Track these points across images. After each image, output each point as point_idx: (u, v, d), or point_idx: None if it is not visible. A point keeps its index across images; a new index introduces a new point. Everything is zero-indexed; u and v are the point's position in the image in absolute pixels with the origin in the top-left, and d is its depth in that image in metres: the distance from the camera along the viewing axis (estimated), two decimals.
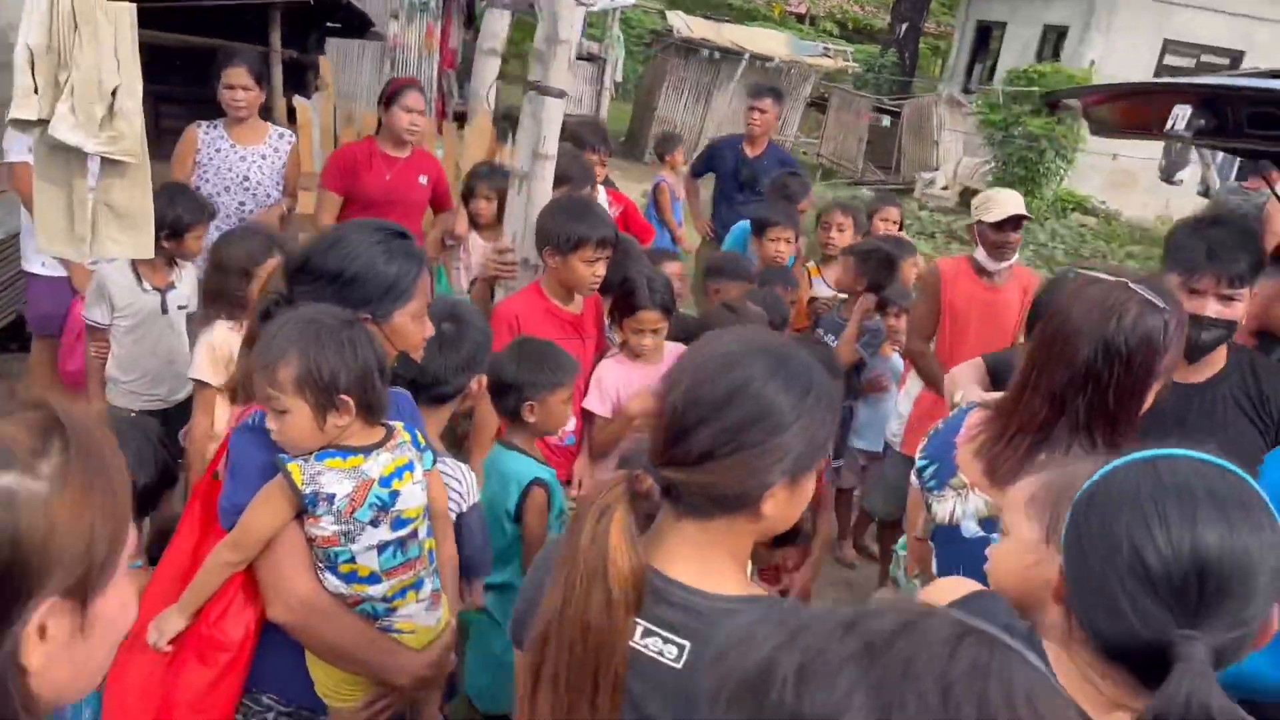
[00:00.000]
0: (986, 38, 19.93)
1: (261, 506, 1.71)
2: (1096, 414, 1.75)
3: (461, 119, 13.24)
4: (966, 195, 14.49)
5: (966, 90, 19.25)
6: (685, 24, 15.39)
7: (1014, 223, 3.78)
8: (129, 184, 3.09)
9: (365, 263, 1.83)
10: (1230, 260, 2.26)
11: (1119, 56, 15.40)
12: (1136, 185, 15.31)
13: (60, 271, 4.06)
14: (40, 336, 4.27)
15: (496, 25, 5.81)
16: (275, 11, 6.17)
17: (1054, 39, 17.43)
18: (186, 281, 3.64)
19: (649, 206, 7.01)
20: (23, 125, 2.95)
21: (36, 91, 2.89)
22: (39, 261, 4.09)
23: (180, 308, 3.62)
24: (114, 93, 2.92)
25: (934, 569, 2.02)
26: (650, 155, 15.99)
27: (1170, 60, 16.24)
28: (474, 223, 4.59)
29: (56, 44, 2.88)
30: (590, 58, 14.76)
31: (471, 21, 16.06)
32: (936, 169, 15.14)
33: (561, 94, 3.10)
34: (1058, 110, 6.10)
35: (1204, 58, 16.41)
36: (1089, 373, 1.73)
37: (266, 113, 4.50)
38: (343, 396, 1.69)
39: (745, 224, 5.12)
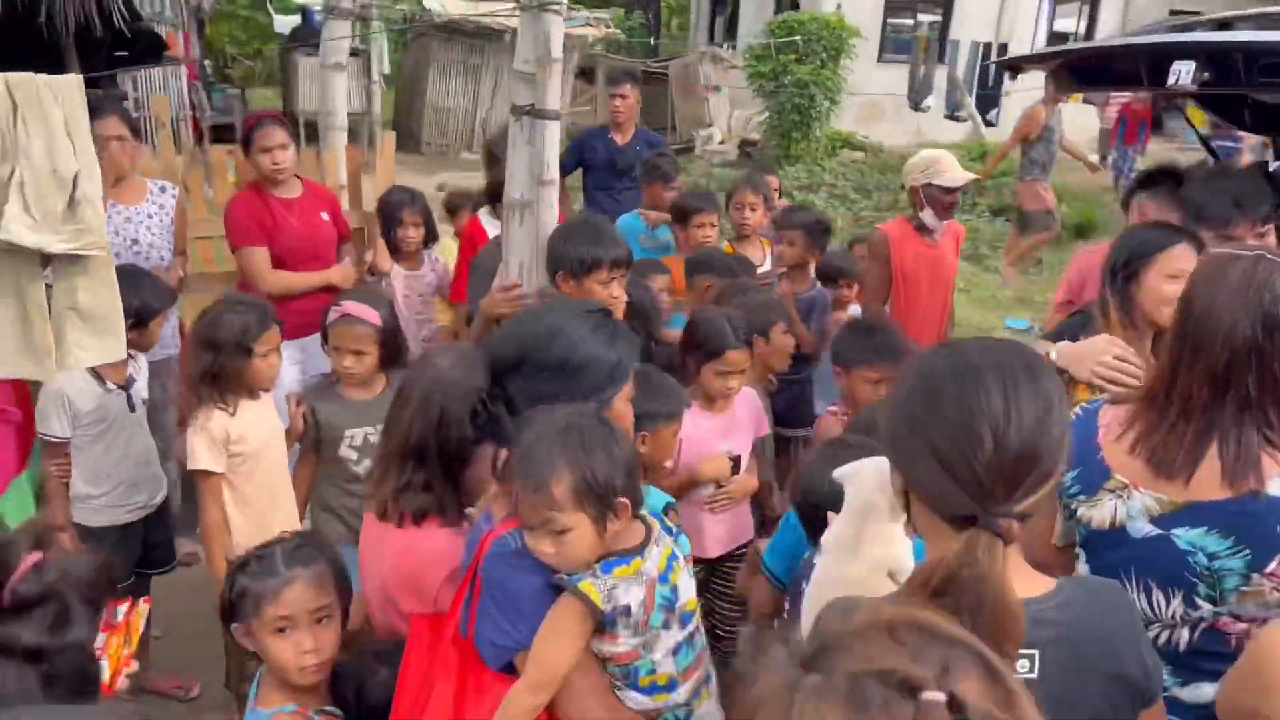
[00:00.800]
0: None
1: (557, 637, 1.58)
2: (1266, 389, 1.71)
3: (219, 134, 12.28)
4: (744, 147, 15.10)
5: (711, 43, 19.94)
6: (441, 5, 14.94)
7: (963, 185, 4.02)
8: (94, 281, 2.69)
9: (590, 350, 1.72)
10: (1256, 204, 2.52)
11: (850, 1, 16.45)
12: (884, 116, 16.53)
13: None
14: None
15: (338, 37, 5.45)
16: (68, 40, 5.45)
17: None
18: (143, 371, 3.24)
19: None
20: None
21: None
22: None
23: (143, 401, 3.22)
24: (74, 179, 2.52)
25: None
26: (426, 145, 15.60)
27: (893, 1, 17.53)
28: (396, 251, 4.34)
29: None
30: (354, 53, 14.05)
31: (202, 30, 14.89)
32: (710, 125, 15.62)
33: (558, 116, 2.97)
34: (1018, 74, 7.89)
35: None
36: (1253, 349, 1.70)
37: None
38: (621, 500, 1.59)
39: (633, 215, 5.11)
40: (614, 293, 2.89)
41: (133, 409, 3.19)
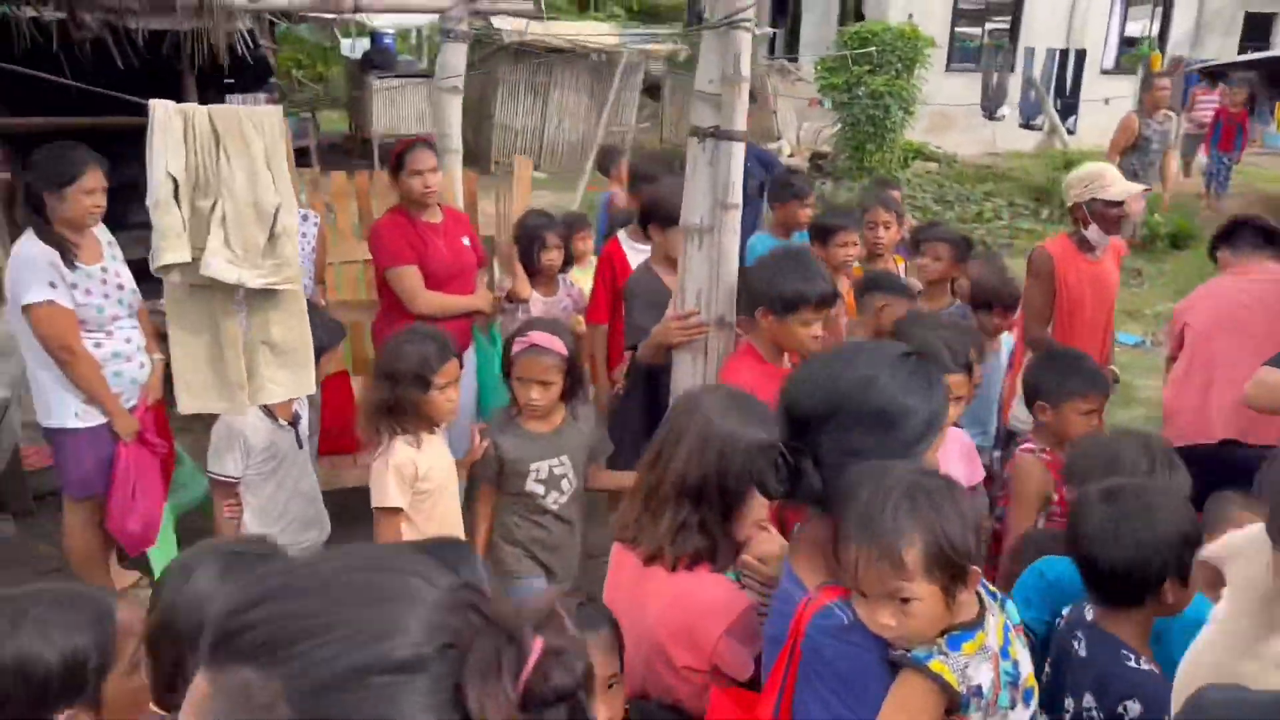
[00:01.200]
0: (784, 4, 20.53)
1: None
2: None
3: (298, 159, 12.39)
4: (815, 159, 14.95)
5: (773, 56, 19.82)
6: (509, 25, 14.98)
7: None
8: (287, 315, 2.63)
9: (909, 400, 1.55)
10: None
11: (916, 7, 16.24)
12: (954, 126, 16.27)
13: (97, 419, 3.45)
14: (78, 499, 3.60)
15: (455, 59, 5.41)
16: (186, 67, 5.49)
17: (854, 1, 18.16)
18: (305, 407, 3.18)
19: (600, 226, 6.75)
20: (166, 269, 2.44)
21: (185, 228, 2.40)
22: (70, 413, 3.44)
23: (309, 437, 3.16)
24: (275, 213, 2.46)
25: None
26: (495, 166, 15.65)
27: (965, 6, 17.30)
28: (533, 275, 4.26)
29: (196, 167, 2.39)
30: (426, 75, 14.15)
31: None
32: (779, 138, 15.49)
33: (744, 137, 2.87)
34: (1220, 81, 8.82)
35: (991, 3, 17.59)
36: None
37: None
38: (974, 568, 1.46)
39: (763, 235, 5.00)
40: (815, 332, 2.78)
41: (300, 445, 3.14)
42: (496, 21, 15.15)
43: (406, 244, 3.84)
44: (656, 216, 3.46)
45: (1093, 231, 3.91)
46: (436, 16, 11.36)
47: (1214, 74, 13.86)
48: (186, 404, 2.60)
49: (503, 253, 4.30)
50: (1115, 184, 3.81)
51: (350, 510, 3.35)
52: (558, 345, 2.94)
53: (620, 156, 7.32)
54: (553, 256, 4.22)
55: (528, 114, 15.29)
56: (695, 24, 20.97)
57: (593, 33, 14.70)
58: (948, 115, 16.11)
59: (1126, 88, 16.39)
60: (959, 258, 4.20)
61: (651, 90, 17.21)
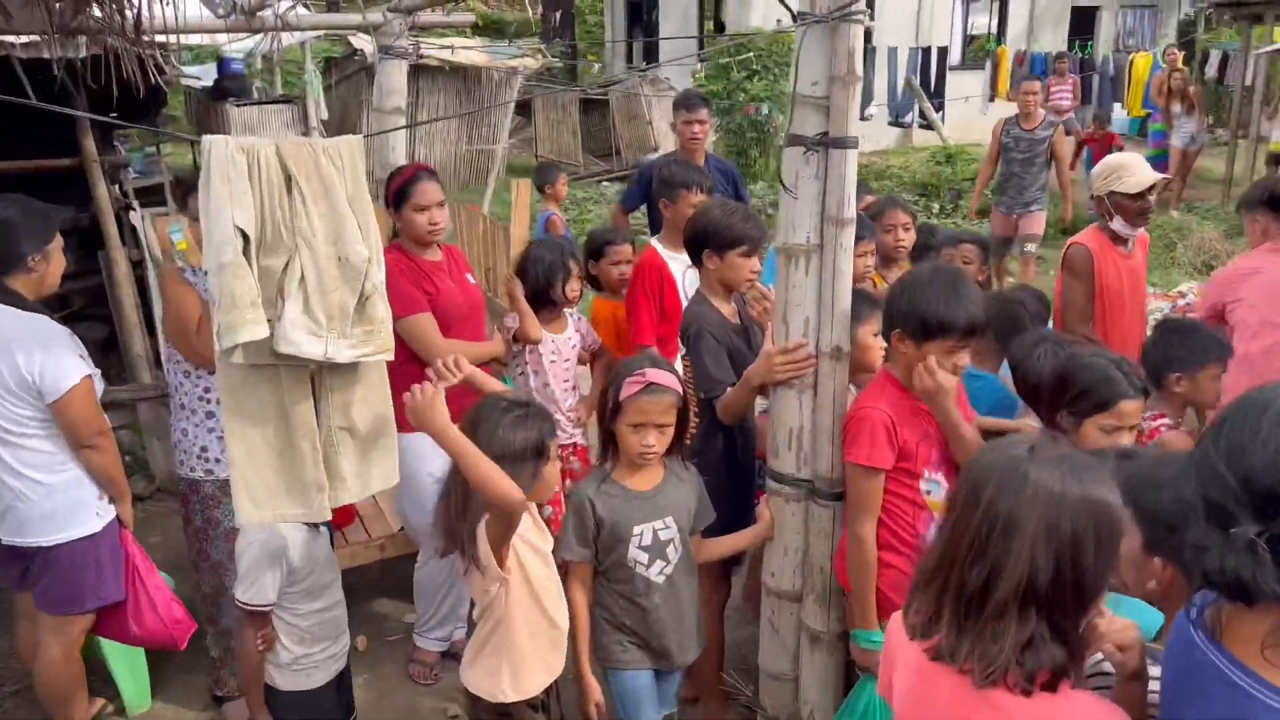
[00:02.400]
0: (639, 13, 20.46)
1: None
2: None
3: (147, 198, 11.43)
4: None
5: (631, 65, 19.71)
6: (368, 44, 14.23)
7: (1151, 187, 3.74)
8: (370, 391, 2.14)
9: None
10: None
11: (779, 11, 16.41)
12: None
13: (110, 512, 2.89)
14: (81, 614, 2.99)
15: (395, 80, 4.90)
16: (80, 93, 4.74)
17: (714, 5, 18.23)
18: None
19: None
20: (229, 352, 1.91)
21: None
22: (91, 513, 2.87)
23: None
24: (366, 268, 1.97)
25: None
26: (372, 188, 14.80)
27: None
28: (542, 311, 3.81)
29: (265, 218, 1.88)
30: (287, 100, 13.26)
31: None
32: (657, 149, 15.30)
33: (857, 143, 2.55)
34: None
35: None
36: None
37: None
38: None
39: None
40: (960, 361, 2.48)
41: (332, 545, 2.62)
42: (356, 41, 14.41)
43: (416, 288, 3.34)
44: (713, 241, 3.09)
45: (1118, 224, 3.78)
46: (294, 38, 10.60)
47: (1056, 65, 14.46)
48: (249, 513, 2.05)
49: (507, 289, 3.83)
50: (1132, 174, 3.70)
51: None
52: (674, 383, 2.57)
53: (558, 173, 6.91)
54: (576, 289, 3.79)
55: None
56: (551, 39, 20.65)
57: (460, 49, 14.11)
58: None
59: (976, 82, 17.05)
60: (986, 260, 4.03)
61: (522, 107, 16.75)
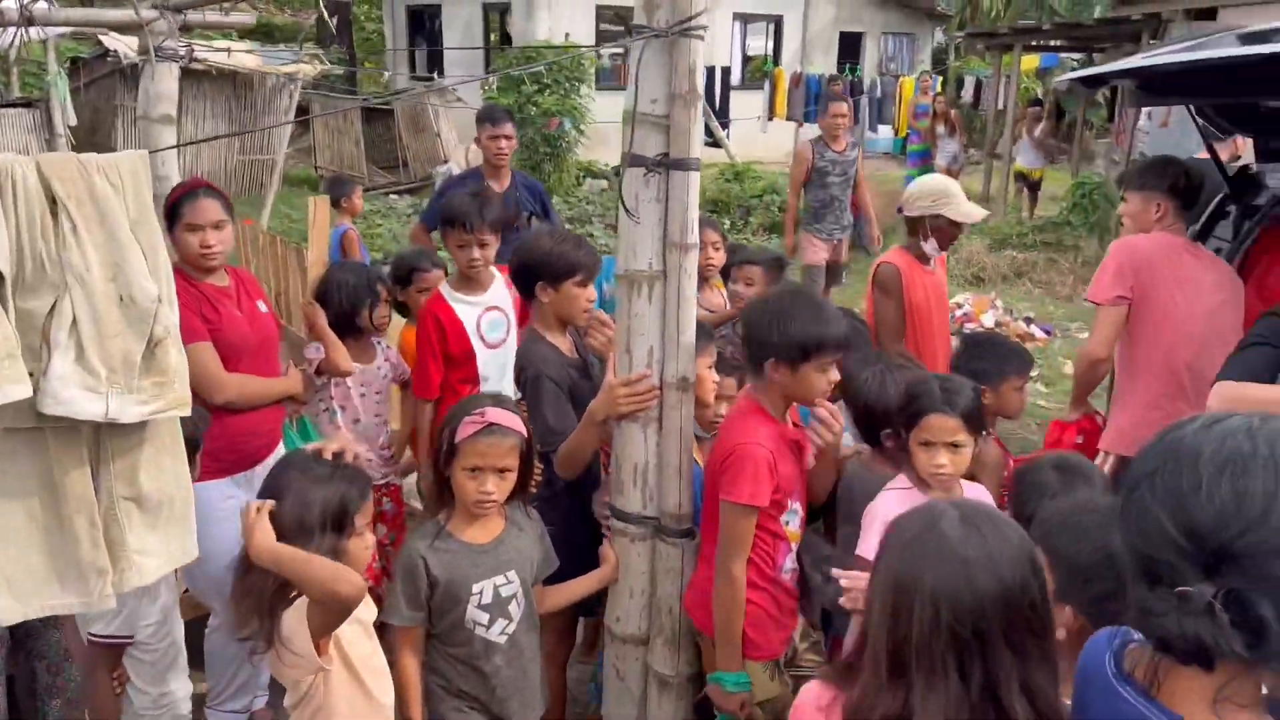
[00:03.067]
0: (420, 22, 19.91)
1: None
2: None
3: None
4: None
5: (415, 78, 19.15)
6: (126, 45, 13.02)
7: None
8: (160, 452, 1.79)
9: None
10: None
11: (564, 26, 16.41)
12: (608, 144, 16.62)
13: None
14: None
15: (165, 84, 4.39)
16: None
17: (498, 16, 17.99)
18: None
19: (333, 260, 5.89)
20: None
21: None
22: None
23: None
24: (155, 308, 1.65)
25: None
26: None
27: (604, 27, 17.72)
28: (348, 339, 3.48)
29: (24, 250, 1.53)
30: (27, 103, 11.89)
31: None
32: (446, 160, 14.89)
33: (699, 165, 2.43)
34: (1096, 88, 7.16)
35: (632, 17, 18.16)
36: None
37: None
38: None
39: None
40: (832, 378, 2.43)
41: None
42: (108, 40, 13.14)
43: (195, 314, 2.94)
44: (546, 273, 2.88)
45: (930, 245, 3.89)
46: (39, 34, 9.53)
47: (1091, 82, 15.15)
48: (9, 609, 1.67)
49: (306, 316, 3.46)
50: (962, 205, 3.82)
51: None
52: (517, 423, 2.35)
53: (354, 186, 6.48)
54: (385, 315, 3.47)
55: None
56: (328, 45, 19.69)
57: (228, 51, 13.14)
58: (603, 133, 16.41)
59: (756, 102, 17.70)
60: (776, 280, 4.05)
61: (298, 113, 15.85)
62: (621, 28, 18.40)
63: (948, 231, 3.86)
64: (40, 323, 1.57)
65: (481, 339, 3.45)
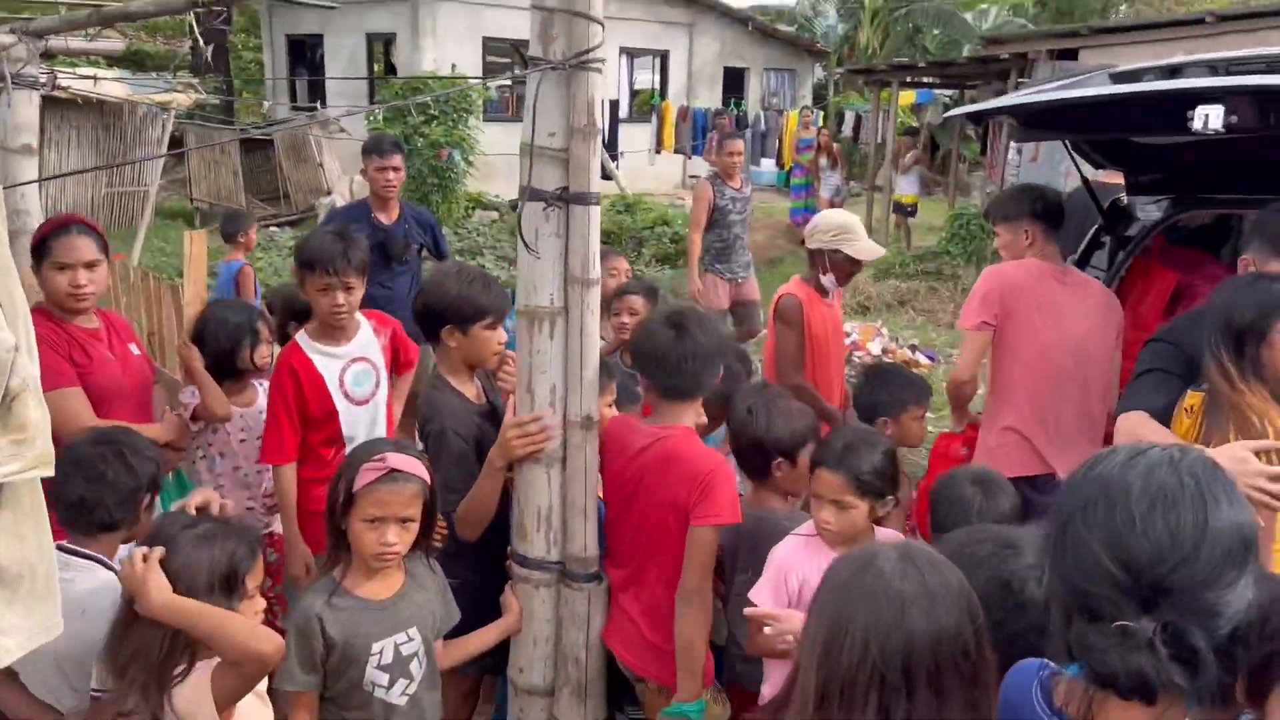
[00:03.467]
0: (301, 52, 19.45)
1: None
2: None
3: None
4: None
5: (296, 108, 18.70)
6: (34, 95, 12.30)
7: None
8: (18, 517, 1.62)
9: (1235, 518, 1.18)
10: None
11: (450, 57, 16.29)
12: (498, 175, 16.50)
13: None
14: None
15: (26, 114, 4.13)
16: None
17: (383, 46, 17.72)
18: None
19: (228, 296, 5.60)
20: None
21: None
22: None
23: None
24: (12, 358, 1.50)
25: None
26: None
27: (490, 59, 17.65)
28: (237, 375, 3.30)
29: None
30: None
31: None
32: (330, 192, 14.53)
33: (598, 200, 2.38)
34: (980, 123, 7.07)
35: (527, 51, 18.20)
36: None
37: None
38: None
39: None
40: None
41: None
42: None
43: (63, 358, 2.73)
44: (453, 315, 2.76)
45: (829, 279, 3.94)
46: None
47: (975, 118, 15.44)
48: None
49: (182, 358, 3.26)
50: (862, 242, 3.87)
51: None
52: (420, 469, 2.23)
53: (249, 222, 6.23)
54: (266, 355, 3.28)
55: (43, 168, 12.62)
56: (204, 74, 19.02)
57: (97, 78, 12.53)
58: (492, 164, 16.31)
59: (644, 134, 17.88)
60: (654, 307, 4.04)
61: (172, 145, 15.24)
62: (508, 60, 18.39)
63: (846, 267, 3.91)
64: None
65: (345, 395, 3.14)
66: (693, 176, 20.11)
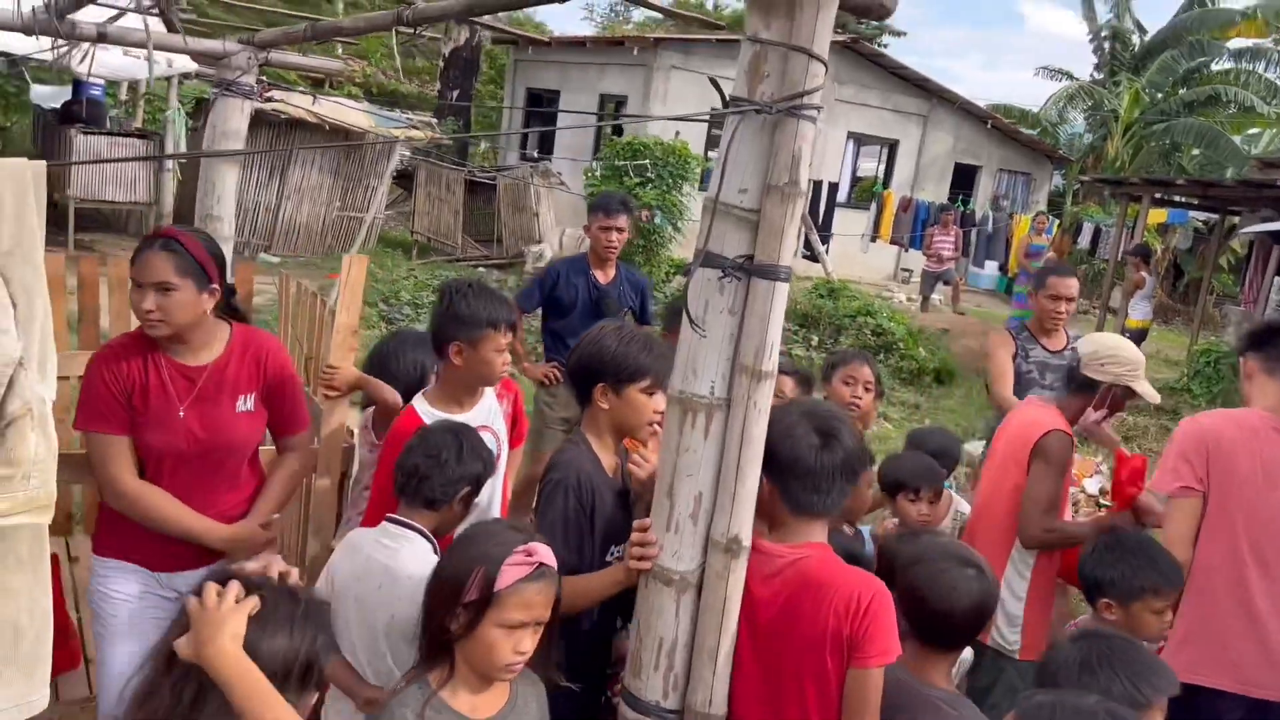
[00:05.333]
0: (539, 104, 20.18)
1: None
2: None
3: None
4: None
5: (524, 159, 19.33)
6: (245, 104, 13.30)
7: None
8: (7, 567, 1.32)
9: None
10: None
11: (676, 124, 16.35)
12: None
13: None
14: None
15: (234, 120, 4.13)
16: None
17: (614, 107, 18.09)
18: None
19: None
20: None
21: None
22: None
23: None
24: (13, 374, 1.20)
25: None
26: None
27: (715, 132, 17.66)
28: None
29: None
30: (141, 134, 12.15)
31: None
32: (540, 241, 14.77)
33: (789, 276, 1.93)
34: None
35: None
36: None
37: None
38: None
39: None
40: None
41: None
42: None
43: (118, 399, 2.43)
44: (612, 373, 2.41)
45: (1098, 414, 3.28)
46: (168, 66, 9.67)
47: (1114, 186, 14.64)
48: None
49: (325, 376, 3.02)
50: (1147, 383, 3.24)
51: None
52: (554, 560, 1.90)
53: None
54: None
55: (261, 188, 13.54)
56: (445, 116, 20.04)
57: (345, 110, 13.32)
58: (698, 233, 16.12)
59: (861, 221, 17.33)
60: (804, 395, 3.53)
61: (404, 177, 16.02)
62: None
63: (1122, 404, 3.28)
64: None
65: None
66: (904, 270, 19.38)
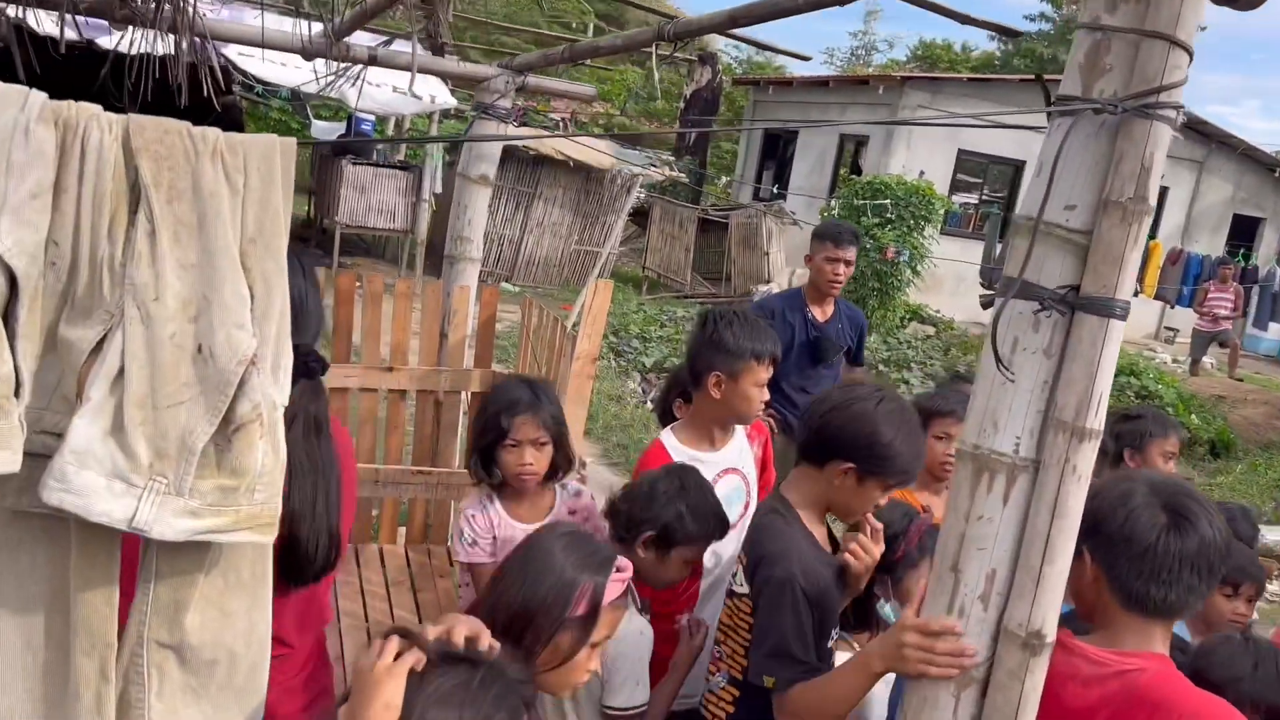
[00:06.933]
0: (775, 144, 20.04)
1: None
2: None
3: None
4: None
5: (758, 198, 19.18)
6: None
7: None
8: (229, 594, 1.19)
9: None
10: None
11: (920, 164, 15.69)
12: (941, 289, 15.49)
13: None
14: None
15: (490, 146, 4.15)
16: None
17: (853, 148, 17.65)
18: None
19: None
20: None
21: (19, 394, 0.99)
22: None
23: None
24: (245, 372, 1.06)
25: None
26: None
27: (961, 176, 16.84)
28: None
29: (76, 250, 1.00)
30: (404, 167, 12.95)
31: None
32: (770, 281, 14.53)
33: (1125, 313, 1.57)
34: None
35: (992, 168, 17.24)
36: None
37: None
38: None
39: None
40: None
41: None
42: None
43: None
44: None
45: None
46: (431, 102, 10.20)
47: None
48: None
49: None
50: None
51: None
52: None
53: None
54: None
55: (507, 222, 14.09)
56: (683, 156, 20.30)
57: (587, 146, 13.67)
58: (940, 278, 15.35)
59: None
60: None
61: (639, 215, 16.27)
62: (977, 179, 17.43)
63: None
64: (80, 361, 1.03)
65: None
66: (1169, 328, 17.65)
